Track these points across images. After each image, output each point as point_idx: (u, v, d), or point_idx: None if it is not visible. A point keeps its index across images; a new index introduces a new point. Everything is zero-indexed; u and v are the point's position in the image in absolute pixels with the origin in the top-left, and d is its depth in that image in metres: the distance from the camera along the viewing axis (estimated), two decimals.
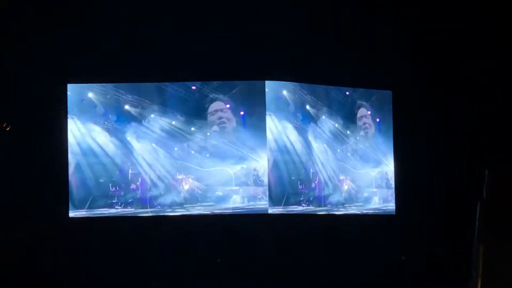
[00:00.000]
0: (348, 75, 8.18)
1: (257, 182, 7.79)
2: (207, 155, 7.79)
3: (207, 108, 7.77)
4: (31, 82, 7.68)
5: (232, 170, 7.80)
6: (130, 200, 7.71)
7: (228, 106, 7.76)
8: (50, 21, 7.67)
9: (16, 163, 7.68)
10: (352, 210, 8.20)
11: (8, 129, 7.77)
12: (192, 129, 7.77)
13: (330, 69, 8.07)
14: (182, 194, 7.77)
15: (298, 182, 7.90)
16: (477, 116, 8.09)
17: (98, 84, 7.71)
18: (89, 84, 7.73)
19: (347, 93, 8.17)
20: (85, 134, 7.71)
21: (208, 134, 7.77)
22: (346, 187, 8.18)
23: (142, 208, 7.75)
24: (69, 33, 7.73)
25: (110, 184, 7.71)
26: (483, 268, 4.31)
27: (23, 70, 7.73)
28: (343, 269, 7.62)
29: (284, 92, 7.87)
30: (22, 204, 7.61)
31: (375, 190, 8.33)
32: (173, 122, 7.76)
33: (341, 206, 8.13)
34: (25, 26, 7.69)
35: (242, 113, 7.76)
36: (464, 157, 8.03)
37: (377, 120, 8.35)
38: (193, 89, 7.70)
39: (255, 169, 7.80)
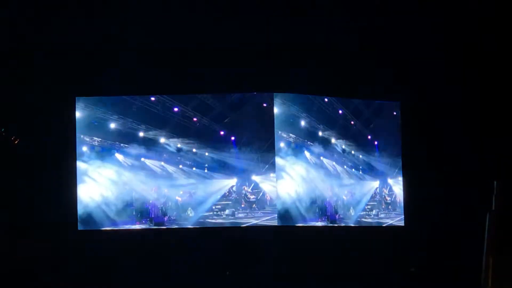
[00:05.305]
0: (356, 86, 8.37)
1: (266, 197, 8.08)
2: (213, 173, 8.14)
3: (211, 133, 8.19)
4: (41, 98, 7.78)
5: (241, 186, 8.15)
6: (143, 216, 8.05)
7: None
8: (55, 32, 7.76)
9: (25, 179, 7.73)
10: (361, 223, 8.49)
11: (16, 142, 7.82)
12: (194, 150, 8.16)
13: (338, 81, 8.25)
14: (189, 210, 8.07)
15: (308, 199, 8.18)
16: (486, 127, 8.14)
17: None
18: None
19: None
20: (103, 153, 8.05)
21: (206, 153, 8.16)
22: (351, 201, 8.50)
23: (155, 224, 8.06)
24: (77, 47, 7.82)
25: (126, 203, 8.05)
26: (493, 281, 4.27)
27: (32, 86, 7.81)
28: (352, 280, 7.63)
29: (293, 111, 8.20)
30: (31, 220, 7.64)
31: (376, 203, 8.65)
32: (178, 145, 8.14)
33: (348, 220, 8.43)
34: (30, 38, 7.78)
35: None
36: (473, 168, 8.06)
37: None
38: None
39: (264, 185, 8.11)
